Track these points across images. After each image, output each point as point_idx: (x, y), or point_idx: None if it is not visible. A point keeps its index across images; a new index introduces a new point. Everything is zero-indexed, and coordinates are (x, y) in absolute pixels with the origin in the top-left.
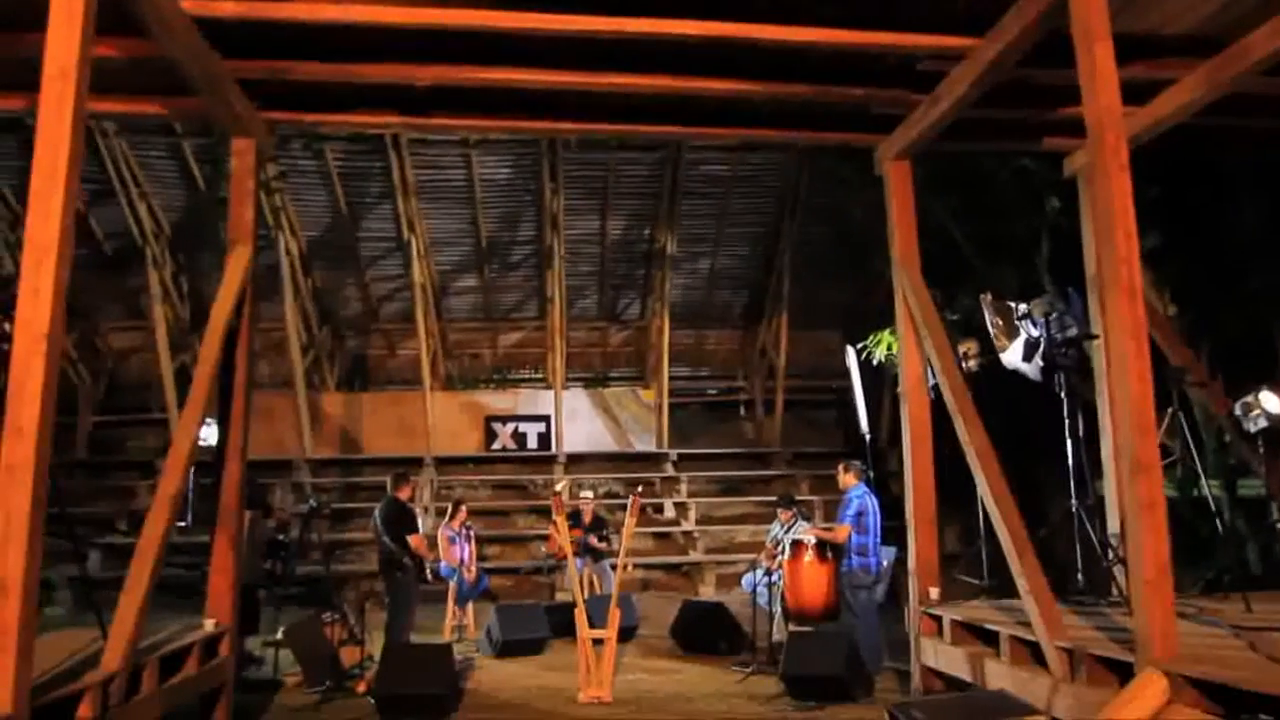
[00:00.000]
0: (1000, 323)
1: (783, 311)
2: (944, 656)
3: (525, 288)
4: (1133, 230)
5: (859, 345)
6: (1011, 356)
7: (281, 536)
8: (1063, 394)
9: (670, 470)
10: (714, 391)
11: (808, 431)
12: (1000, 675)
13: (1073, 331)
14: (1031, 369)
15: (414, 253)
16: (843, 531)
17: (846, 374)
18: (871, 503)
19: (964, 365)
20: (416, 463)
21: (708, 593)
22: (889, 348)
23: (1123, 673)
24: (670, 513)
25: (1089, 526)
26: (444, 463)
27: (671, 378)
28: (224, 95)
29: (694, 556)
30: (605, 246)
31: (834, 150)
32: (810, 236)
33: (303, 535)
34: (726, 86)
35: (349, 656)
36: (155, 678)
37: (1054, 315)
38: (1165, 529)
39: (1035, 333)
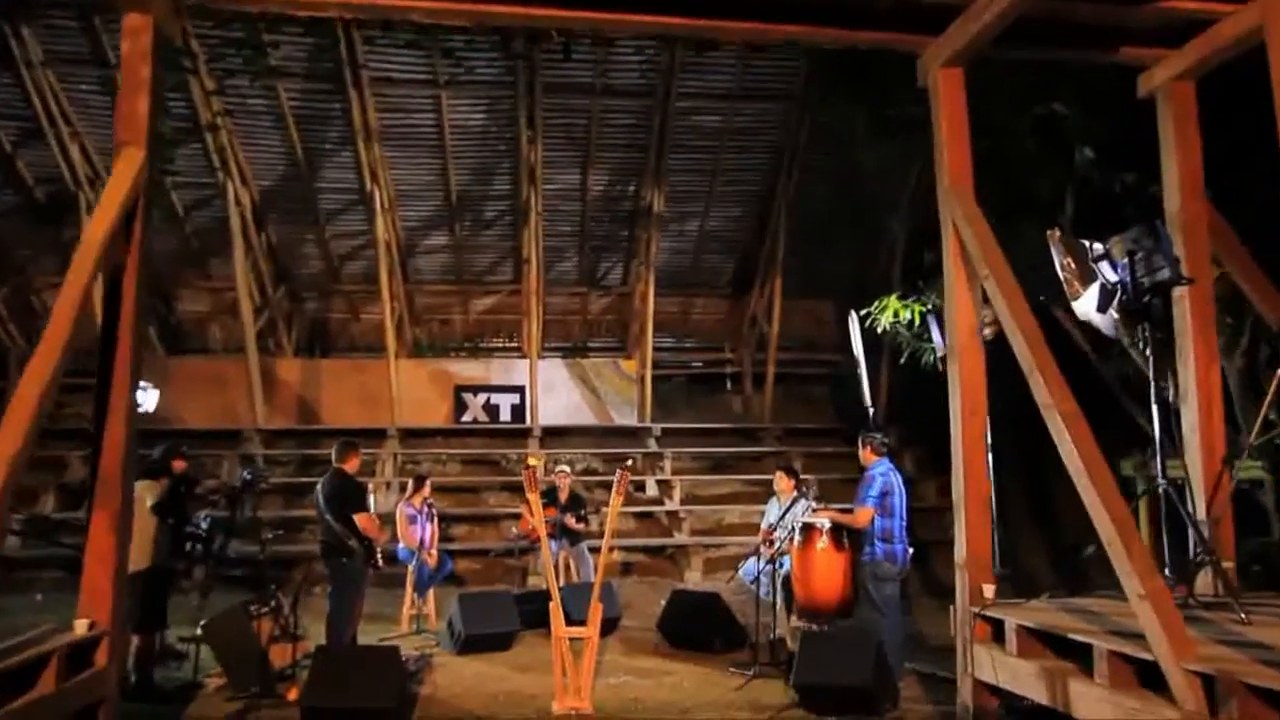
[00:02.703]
0: (1072, 265)
1: (776, 278)
2: (1007, 670)
3: (499, 248)
4: None
5: (863, 312)
6: (1084, 305)
7: (205, 514)
8: (1147, 351)
9: (653, 446)
10: (699, 364)
11: (799, 407)
12: (1094, 701)
13: (1164, 274)
14: (1105, 321)
15: (377, 206)
16: (864, 515)
17: (841, 346)
18: (897, 481)
19: (982, 333)
20: (380, 435)
21: (694, 578)
22: (895, 315)
23: None
24: (653, 491)
25: (1186, 511)
26: (410, 435)
27: (655, 348)
28: None
29: (679, 539)
30: (586, 203)
31: (841, 92)
32: (808, 196)
33: (235, 512)
34: None
35: (280, 656)
36: None
37: (1140, 255)
38: None
39: (1114, 277)
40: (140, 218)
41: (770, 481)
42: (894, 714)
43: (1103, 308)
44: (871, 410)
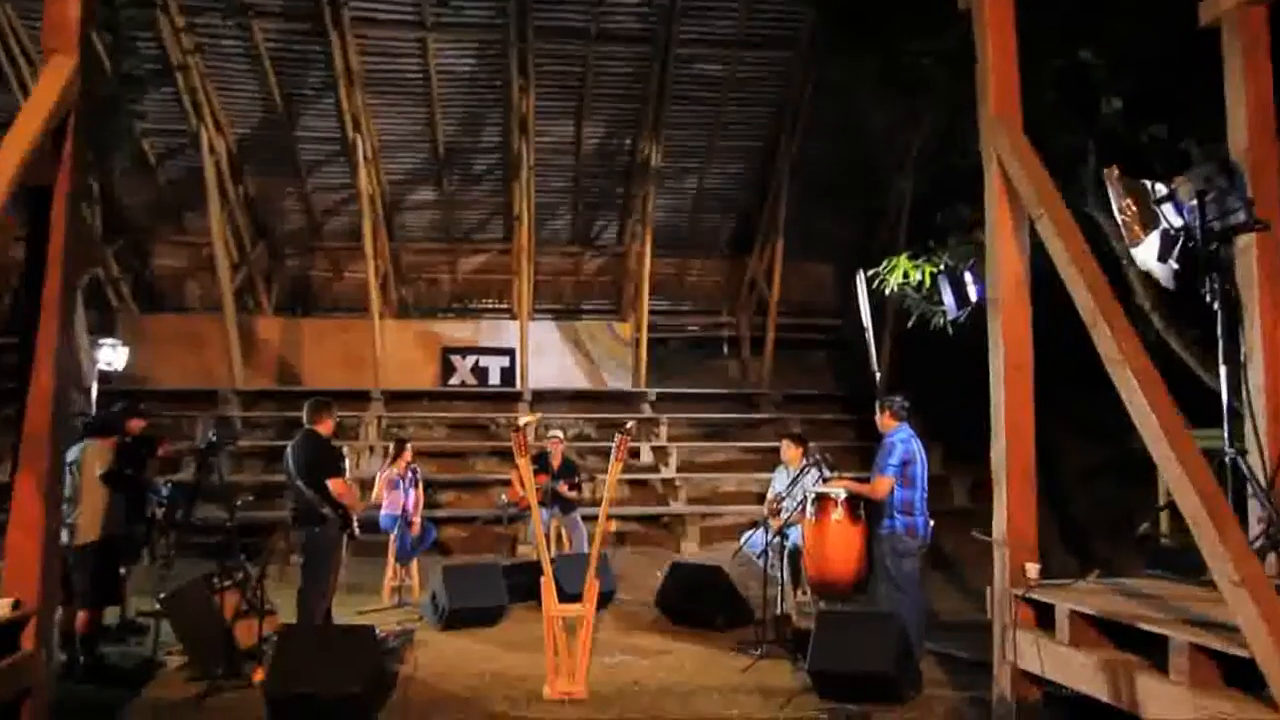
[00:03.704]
0: (1133, 207)
1: (777, 239)
2: (1056, 661)
3: (489, 204)
4: None
5: (870, 273)
6: (1144, 254)
7: (166, 480)
8: (1215, 305)
9: (648, 411)
10: (695, 328)
11: (798, 373)
12: (1171, 702)
13: (1239, 217)
14: (1164, 272)
15: (360, 157)
16: (883, 485)
17: (843, 311)
18: (918, 449)
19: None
20: (363, 397)
21: (691, 549)
22: (904, 275)
23: None
24: (648, 458)
25: (1259, 484)
26: (395, 398)
27: (650, 311)
28: None
29: (675, 508)
30: (580, 157)
31: (848, 43)
32: (811, 153)
33: (201, 475)
34: None
35: (247, 632)
36: None
37: (1210, 196)
38: None
39: (1178, 221)
40: (71, 136)
41: (769, 449)
42: (917, 701)
43: (1164, 256)
44: (878, 375)
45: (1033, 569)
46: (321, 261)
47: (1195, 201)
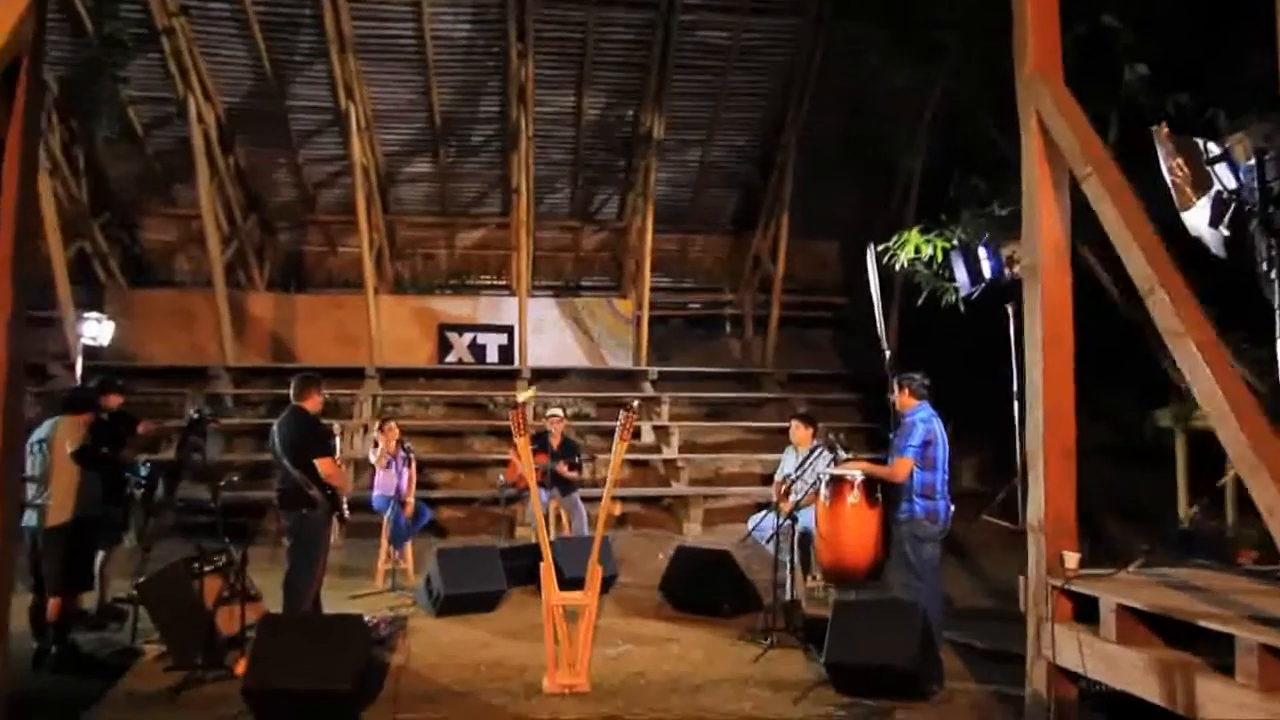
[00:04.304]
0: (1184, 169)
1: (782, 214)
2: (1100, 659)
3: (487, 177)
4: None
5: (880, 247)
6: (1195, 218)
7: (145, 458)
8: (1273, 274)
9: (649, 390)
10: (697, 305)
11: (801, 352)
12: (1235, 707)
13: None
14: (1214, 238)
15: (354, 126)
16: (903, 467)
17: (847, 288)
18: (939, 429)
19: (1008, 272)
20: (358, 375)
21: (694, 530)
22: (915, 250)
23: None
24: (649, 438)
25: None
26: (390, 376)
27: (651, 288)
28: None
29: (677, 489)
30: (581, 129)
31: (859, 9)
32: (818, 126)
33: (182, 452)
34: None
35: (228, 621)
36: None
37: (1270, 155)
38: None
39: (1233, 183)
40: (25, 81)
41: (773, 429)
42: (940, 696)
43: (1215, 221)
44: (888, 353)
45: (1072, 558)
46: (315, 236)
47: (1253, 161)
